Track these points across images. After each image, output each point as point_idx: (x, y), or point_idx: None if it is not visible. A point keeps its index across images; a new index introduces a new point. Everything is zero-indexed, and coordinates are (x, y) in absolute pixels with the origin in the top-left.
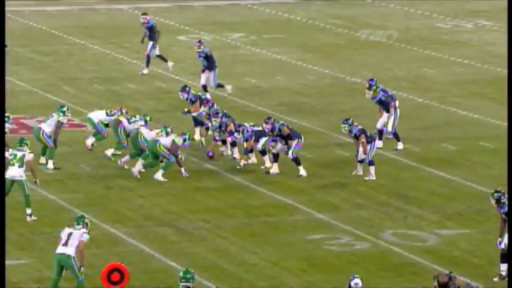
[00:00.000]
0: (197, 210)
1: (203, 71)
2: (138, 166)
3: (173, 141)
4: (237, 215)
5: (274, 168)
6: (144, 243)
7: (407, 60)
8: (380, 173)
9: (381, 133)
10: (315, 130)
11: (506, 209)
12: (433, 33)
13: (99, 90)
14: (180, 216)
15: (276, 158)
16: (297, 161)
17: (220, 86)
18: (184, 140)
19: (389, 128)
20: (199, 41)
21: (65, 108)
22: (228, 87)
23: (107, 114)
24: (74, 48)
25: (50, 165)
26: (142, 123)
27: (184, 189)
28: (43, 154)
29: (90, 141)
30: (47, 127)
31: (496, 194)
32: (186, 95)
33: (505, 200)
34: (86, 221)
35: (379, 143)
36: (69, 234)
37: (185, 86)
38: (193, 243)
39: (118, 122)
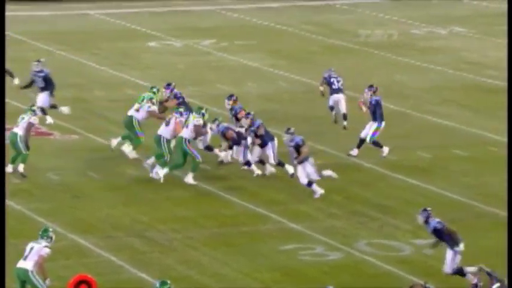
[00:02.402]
0: (168, 219)
1: (41, 91)
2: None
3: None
4: (209, 224)
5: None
6: (113, 254)
7: (381, 67)
8: (355, 181)
9: (362, 142)
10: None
11: (432, 226)
12: (407, 39)
13: (66, 97)
14: (150, 226)
15: (262, 162)
16: (281, 163)
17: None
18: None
19: (368, 136)
20: (39, 61)
21: (35, 107)
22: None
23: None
24: (40, 54)
25: (21, 169)
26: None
27: (154, 198)
28: (13, 162)
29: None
30: (21, 130)
31: (423, 214)
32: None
33: (432, 219)
34: (50, 234)
35: (355, 151)
36: (31, 248)
37: (169, 84)
38: (163, 254)
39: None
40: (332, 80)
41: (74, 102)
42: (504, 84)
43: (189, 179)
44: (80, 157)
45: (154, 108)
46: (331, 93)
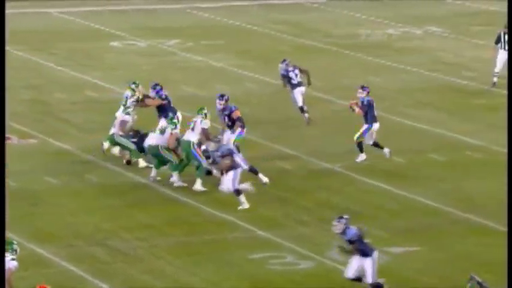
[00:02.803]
0: (131, 227)
1: None
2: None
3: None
4: (175, 232)
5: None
6: (74, 264)
7: (354, 67)
8: (324, 187)
9: (376, 144)
10: (255, 142)
11: (350, 235)
12: (380, 40)
13: (25, 99)
14: (113, 235)
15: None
16: (254, 170)
17: None
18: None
19: (356, 137)
20: None
21: None
22: None
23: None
24: None
25: None
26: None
27: (117, 205)
28: None
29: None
30: None
31: (342, 221)
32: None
33: (349, 229)
34: (15, 247)
35: (362, 156)
36: None
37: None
38: (127, 264)
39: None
40: (290, 74)
41: (33, 104)
42: (481, 86)
43: (198, 185)
44: (39, 162)
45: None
46: (293, 88)
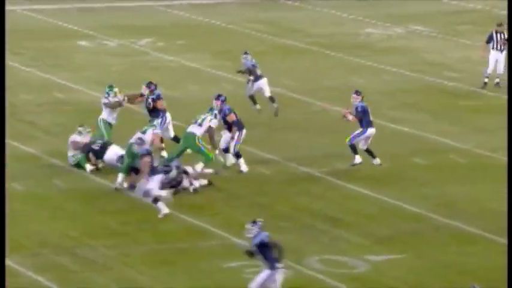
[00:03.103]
0: (100, 235)
1: None
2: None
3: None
4: (147, 240)
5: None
6: (41, 274)
7: (335, 68)
8: (304, 192)
9: (368, 151)
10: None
11: (259, 239)
12: (362, 40)
13: None
14: (82, 243)
15: (226, 150)
16: (238, 155)
17: None
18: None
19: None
20: None
21: None
22: None
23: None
24: None
25: None
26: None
27: (86, 212)
28: None
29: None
30: None
31: (255, 225)
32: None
33: (261, 233)
34: None
35: (377, 161)
36: None
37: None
38: (96, 273)
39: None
40: (253, 66)
41: None
42: (467, 87)
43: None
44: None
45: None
46: (256, 80)
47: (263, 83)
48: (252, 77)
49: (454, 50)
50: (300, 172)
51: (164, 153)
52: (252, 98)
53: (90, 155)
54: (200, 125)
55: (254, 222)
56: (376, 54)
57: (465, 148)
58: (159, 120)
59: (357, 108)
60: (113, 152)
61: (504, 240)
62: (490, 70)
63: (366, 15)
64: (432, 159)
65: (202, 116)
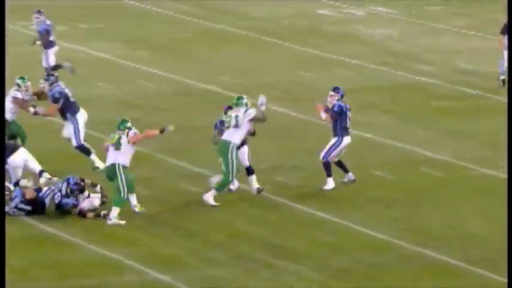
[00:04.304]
0: None
1: None
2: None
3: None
4: (43, 276)
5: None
6: None
7: (279, 60)
8: (242, 214)
9: (340, 164)
10: (150, 157)
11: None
12: (312, 24)
13: None
14: None
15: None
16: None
17: None
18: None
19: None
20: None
21: None
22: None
23: None
24: None
25: None
26: None
27: None
28: None
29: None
30: None
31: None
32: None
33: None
34: None
35: (349, 176)
36: None
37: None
38: None
39: None
40: (47, 30)
41: None
42: (443, 83)
43: (210, 197)
44: None
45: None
46: (50, 47)
47: (54, 50)
48: (40, 42)
49: (425, 37)
50: (237, 190)
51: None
52: (56, 68)
53: None
54: (236, 125)
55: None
56: (329, 43)
57: (441, 159)
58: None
59: (333, 107)
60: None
61: (490, 274)
62: (506, 64)
63: None
64: (401, 173)
65: (233, 113)
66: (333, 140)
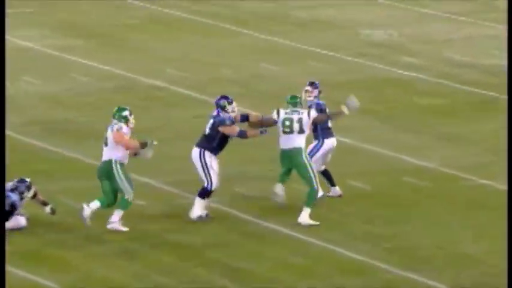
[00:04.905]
0: None
1: None
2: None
3: None
4: None
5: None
6: None
7: (238, 51)
8: (194, 232)
9: (326, 174)
10: (82, 164)
11: None
12: (277, 9)
13: None
14: None
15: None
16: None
17: None
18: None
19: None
20: None
21: None
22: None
23: None
24: None
25: None
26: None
27: None
28: None
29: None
30: None
31: None
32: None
33: None
34: None
35: (336, 190)
36: None
37: None
38: None
39: None
40: None
41: None
42: (432, 79)
43: (305, 218)
44: None
45: None
46: None
47: None
48: None
49: (410, 24)
50: (187, 202)
51: None
52: None
53: None
54: (301, 131)
55: None
56: (297, 30)
57: (428, 167)
58: None
59: (310, 106)
60: None
61: None
62: None
63: None
64: (381, 184)
65: (299, 114)
66: (313, 144)
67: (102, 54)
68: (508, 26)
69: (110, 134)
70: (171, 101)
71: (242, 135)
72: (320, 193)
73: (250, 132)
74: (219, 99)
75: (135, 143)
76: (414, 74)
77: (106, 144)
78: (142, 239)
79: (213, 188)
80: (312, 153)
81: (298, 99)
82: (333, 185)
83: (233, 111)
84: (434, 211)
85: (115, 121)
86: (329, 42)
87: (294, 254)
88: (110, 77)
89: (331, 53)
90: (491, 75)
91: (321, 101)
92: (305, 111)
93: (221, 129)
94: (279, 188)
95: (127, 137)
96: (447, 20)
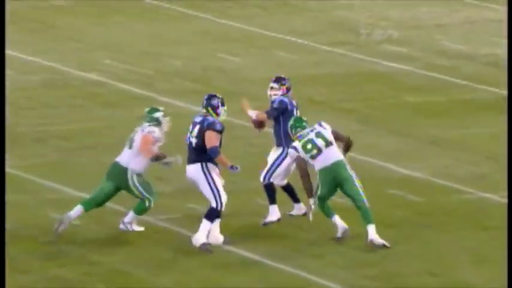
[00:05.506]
0: None
1: None
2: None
3: None
4: None
5: None
6: None
7: (190, 39)
8: (140, 257)
9: (288, 189)
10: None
11: None
12: None
13: None
14: None
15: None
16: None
17: None
18: None
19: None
20: None
21: None
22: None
23: None
24: None
25: None
26: None
27: None
28: None
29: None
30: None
31: None
32: None
33: None
34: None
35: (300, 207)
36: None
37: None
38: None
39: None
40: None
41: None
42: (420, 71)
43: (376, 235)
44: None
45: None
46: None
47: None
48: None
49: (395, 7)
50: (142, 221)
51: None
52: None
53: None
54: (329, 143)
55: None
56: (263, 14)
57: (418, 177)
58: None
59: (272, 103)
60: None
61: None
62: None
63: None
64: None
65: (312, 134)
66: (277, 152)
67: (25, 42)
68: (508, 26)
69: (138, 137)
70: (111, 99)
71: (216, 153)
72: (278, 214)
73: (223, 158)
74: (210, 100)
75: (158, 156)
76: (400, 66)
77: (130, 147)
78: (74, 267)
79: (223, 208)
80: (275, 164)
81: (304, 122)
82: (296, 201)
83: (223, 115)
84: (425, 230)
85: (146, 124)
86: (300, 29)
87: (260, 282)
88: (35, 70)
89: (303, 41)
90: (491, 67)
91: (286, 99)
92: (316, 125)
93: (207, 133)
94: (338, 221)
95: (154, 147)
96: (440, 1)
